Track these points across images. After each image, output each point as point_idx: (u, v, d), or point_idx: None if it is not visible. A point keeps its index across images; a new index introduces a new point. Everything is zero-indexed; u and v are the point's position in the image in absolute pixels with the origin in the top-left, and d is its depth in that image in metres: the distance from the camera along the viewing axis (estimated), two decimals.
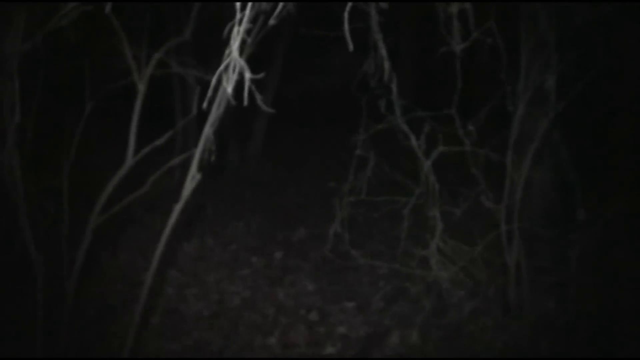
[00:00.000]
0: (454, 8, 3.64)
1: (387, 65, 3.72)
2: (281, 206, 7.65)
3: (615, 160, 9.38)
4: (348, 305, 5.46)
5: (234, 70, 2.40)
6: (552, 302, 4.94)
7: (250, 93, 2.49)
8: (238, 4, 2.40)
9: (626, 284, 4.56)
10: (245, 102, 2.39)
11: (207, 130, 3.87)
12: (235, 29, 2.39)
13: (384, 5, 3.72)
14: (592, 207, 4.62)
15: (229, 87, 2.37)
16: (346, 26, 2.70)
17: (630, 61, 5.26)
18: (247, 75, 2.38)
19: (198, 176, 4.16)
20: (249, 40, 2.59)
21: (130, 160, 4.04)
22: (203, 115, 3.37)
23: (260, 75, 2.43)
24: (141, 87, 4.11)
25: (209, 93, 2.49)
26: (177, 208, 3.93)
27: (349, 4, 2.75)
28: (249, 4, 2.40)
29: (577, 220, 4.73)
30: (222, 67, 2.42)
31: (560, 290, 4.98)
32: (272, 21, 2.41)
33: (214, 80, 2.46)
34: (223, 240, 6.56)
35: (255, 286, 5.68)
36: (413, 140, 4.15)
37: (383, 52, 3.75)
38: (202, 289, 5.64)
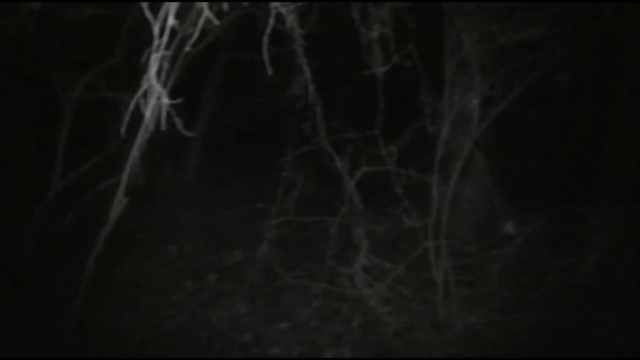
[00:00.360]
0: (375, 33, 3.74)
1: (311, 87, 3.79)
2: (216, 228, 7.60)
3: (539, 176, 9.76)
4: (282, 326, 5.45)
5: (151, 96, 2.43)
6: (479, 316, 5.06)
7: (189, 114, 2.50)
8: (156, 30, 2.44)
9: (547, 295, 4.72)
10: (163, 127, 2.42)
11: (134, 154, 3.87)
12: (153, 56, 2.42)
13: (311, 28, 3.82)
14: (515, 221, 4.76)
15: (146, 112, 2.40)
16: (265, 50, 2.75)
17: (553, 81, 5.45)
18: (165, 100, 2.41)
19: (125, 200, 4.14)
20: (166, 66, 2.61)
21: (57, 183, 4.00)
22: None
23: (178, 101, 2.46)
24: (68, 111, 4.09)
25: (127, 118, 2.49)
26: (104, 233, 3.91)
27: (268, 29, 2.81)
28: (167, 31, 2.43)
29: (503, 235, 4.85)
30: (139, 92, 2.45)
31: (485, 304, 5.12)
32: (188, 48, 2.42)
33: (131, 106, 2.48)
34: (156, 264, 6.48)
35: (189, 310, 5.62)
36: (337, 161, 4.23)
37: (307, 75, 3.82)
38: (134, 314, 5.56)
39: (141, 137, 3.61)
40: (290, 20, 3.19)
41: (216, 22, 2.37)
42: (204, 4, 2.35)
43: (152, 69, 2.40)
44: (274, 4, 2.66)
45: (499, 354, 4.72)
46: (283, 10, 2.75)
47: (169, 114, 2.63)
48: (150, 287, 5.98)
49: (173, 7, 2.34)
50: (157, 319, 5.49)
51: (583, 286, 4.46)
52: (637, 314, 4.32)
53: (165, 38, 2.39)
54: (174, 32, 2.50)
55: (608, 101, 5.66)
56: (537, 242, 4.64)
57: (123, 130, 2.59)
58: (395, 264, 4.88)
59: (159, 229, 7.31)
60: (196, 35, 2.59)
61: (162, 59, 2.43)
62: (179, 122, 2.45)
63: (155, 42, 2.38)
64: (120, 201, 4.08)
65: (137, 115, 2.87)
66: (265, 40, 2.66)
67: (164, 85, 3.54)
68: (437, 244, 4.66)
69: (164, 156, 8.29)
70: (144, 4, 2.31)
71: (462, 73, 5.27)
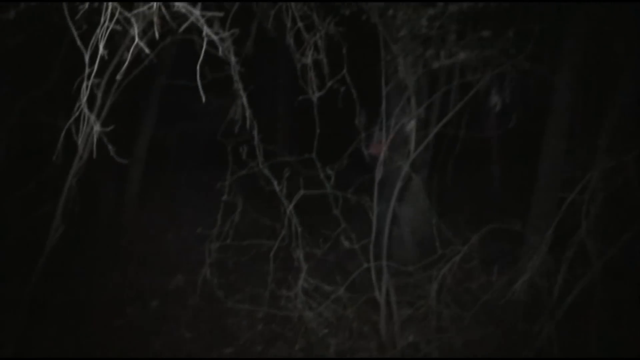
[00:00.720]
0: (308, 59, 3.82)
1: (248, 113, 3.84)
2: (158, 253, 7.54)
3: (474, 195, 10.00)
4: (226, 351, 5.45)
5: (84, 123, 2.44)
6: (419, 334, 5.14)
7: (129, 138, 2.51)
8: (87, 58, 2.46)
9: (481, 314, 4.83)
10: (95, 154, 2.43)
11: (70, 180, 3.85)
12: (85, 84, 2.44)
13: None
14: (448, 242, 4.86)
15: (79, 140, 2.41)
16: (198, 77, 2.79)
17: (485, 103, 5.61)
18: (97, 127, 2.43)
19: (62, 227, 4.11)
20: (99, 92, 2.63)
21: None
22: None
23: (110, 128, 2.48)
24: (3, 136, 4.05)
25: (59, 145, 2.50)
26: (41, 262, 3.86)
27: (202, 55, 2.85)
28: (98, 58, 2.46)
29: (442, 254, 4.93)
30: (71, 120, 2.46)
31: (425, 323, 5.21)
32: (118, 76, 2.44)
33: (63, 133, 2.49)
34: (97, 291, 6.38)
35: (130, 337, 5.56)
36: (275, 185, 4.28)
37: (244, 100, 3.87)
38: (75, 340, 5.47)
39: (76, 164, 3.61)
40: (225, 46, 3.24)
41: (147, 50, 2.41)
42: (135, 32, 2.39)
43: (84, 97, 2.41)
44: (206, 31, 2.70)
45: None
46: (216, 38, 2.80)
47: (102, 141, 2.64)
48: (91, 313, 5.89)
49: (103, 35, 2.36)
50: (98, 345, 5.41)
51: (517, 303, 4.57)
52: (570, 329, 4.46)
53: (97, 66, 2.41)
54: (105, 59, 2.52)
55: (538, 121, 5.87)
56: (473, 260, 4.75)
57: (55, 157, 2.58)
58: (337, 285, 4.92)
59: (100, 254, 7.21)
60: (128, 62, 2.61)
61: (94, 86, 2.44)
62: (111, 149, 2.45)
63: (86, 69, 2.39)
64: (57, 228, 4.05)
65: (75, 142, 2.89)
66: (198, 68, 2.69)
67: (98, 112, 3.57)
68: (378, 264, 4.72)
69: (103, 182, 8.20)
70: (75, 33, 2.34)
71: (398, 96, 5.40)
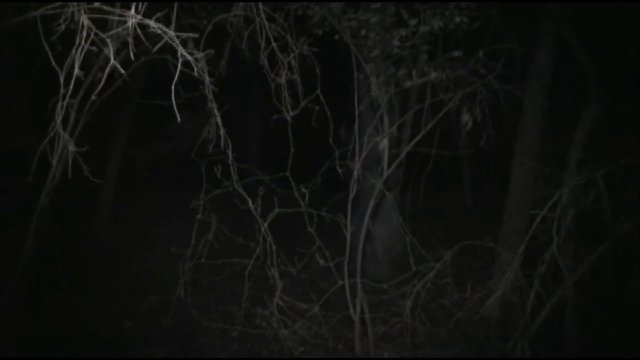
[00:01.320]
0: (283, 79, 3.85)
1: (222, 132, 3.85)
2: (130, 273, 7.48)
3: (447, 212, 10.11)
4: None
5: (58, 143, 2.44)
6: (394, 351, 5.17)
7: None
8: (62, 79, 2.46)
9: (455, 330, 4.87)
10: (70, 174, 2.43)
11: (43, 200, 3.82)
12: (59, 104, 2.44)
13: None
14: (422, 259, 4.90)
15: (54, 160, 2.40)
16: (173, 96, 2.80)
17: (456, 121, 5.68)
18: (71, 147, 2.43)
19: (34, 247, 4.07)
20: (73, 112, 2.63)
21: None
22: None
23: (84, 148, 2.48)
24: None
25: (34, 165, 2.49)
26: (13, 282, 3.82)
27: (177, 75, 2.87)
28: (73, 80, 2.46)
29: (415, 271, 4.97)
30: (46, 140, 2.45)
31: (399, 340, 5.24)
32: (93, 96, 2.45)
33: (38, 153, 2.49)
34: (69, 312, 6.31)
35: (104, 357, 5.49)
36: (250, 203, 4.28)
37: (218, 119, 3.88)
38: None
39: (49, 184, 3.59)
40: (200, 66, 3.26)
41: (122, 70, 2.42)
42: (111, 52, 2.40)
43: (59, 117, 2.41)
44: (180, 51, 2.72)
45: None
46: (191, 58, 2.81)
47: (77, 160, 2.63)
48: (63, 334, 5.82)
49: (79, 56, 2.37)
50: None
51: (491, 319, 4.62)
52: (543, 345, 4.51)
53: (71, 86, 2.41)
54: (80, 80, 2.53)
55: (508, 140, 5.97)
56: (446, 277, 4.79)
57: (30, 177, 2.57)
58: (311, 303, 4.93)
59: (72, 275, 7.13)
60: (103, 82, 2.62)
61: (69, 106, 2.44)
62: (86, 169, 2.44)
63: (62, 90, 2.40)
64: (29, 248, 4.01)
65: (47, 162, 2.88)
66: (172, 87, 2.70)
67: (72, 133, 3.55)
68: (352, 282, 4.74)
69: (75, 202, 8.13)
70: (50, 54, 2.34)
71: (371, 115, 5.45)
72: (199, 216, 4.59)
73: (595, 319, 5.53)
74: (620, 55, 6.14)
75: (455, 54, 5.01)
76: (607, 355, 5.32)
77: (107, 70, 2.48)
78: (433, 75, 5.11)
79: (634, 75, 6.08)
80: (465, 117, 5.12)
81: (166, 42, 2.95)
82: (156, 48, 3.06)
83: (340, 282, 4.76)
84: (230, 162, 4.06)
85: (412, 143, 5.05)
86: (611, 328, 5.35)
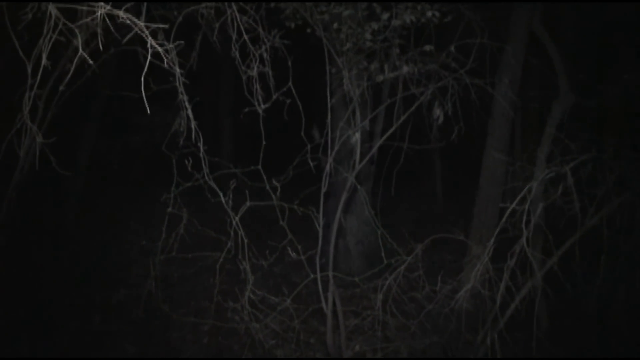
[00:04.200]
0: (254, 71, 3.83)
1: (193, 124, 3.82)
2: (100, 267, 7.41)
3: (418, 206, 10.16)
4: None
5: (25, 135, 2.40)
6: (366, 344, 5.19)
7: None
8: (29, 70, 2.42)
9: (426, 323, 4.91)
10: (38, 165, 2.39)
11: (10, 192, 3.76)
12: (27, 95, 2.39)
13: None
14: (393, 252, 4.92)
15: (21, 152, 2.36)
16: (142, 88, 2.77)
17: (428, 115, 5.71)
18: (39, 139, 2.39)
19: (2, 240, 4.01)
20: (41, 104, 2.59)
21: None
22: None
23: (52, 140, 2.44)
24: None
25: (0, 156, 2.45)
26: None
27: (146, 67, 2.83)
28: (41, 70, 2.42)
29: (387, 265, 4.98)
30: (13, 131, 2.41)
31: (370, 333, 5.27)
32: (62, 87, 2.41)
33: (4, 144, 2.44)
34: (37, 306, 6.22)
35: (73, 353, 5.43)
36: (221, 197, 4.26)
37: (189, 112, 3.85)
38: (19, 357, 5.32)
39: (17, 175, 3.53)
40: (170, 57, 3.22)
41: (90, 62, 2.38)
42: (79, 43, 2.36)
43: (27, 108, 2.37)
44: (150, 42, 2.68)
45: None
46: (161, 49, 2.78)
47: (44, 153, 2.59)
48: (32, 329, 5.74)
49: (46, 46, 2.33)
50: None
51: (461, 312, 4.65)
52: (514, 338, 4.55)
53: (39, 77, 2.37)
54: (48, 70, 2.49)
55: (479, 133, 6.02)
56: (417, 270, 4.81)
57: None
58: (283, 297, 4.92)
59: (39, 268, 7.04)
60: (71, 73, 2.58)
61: (37, 97, 2.40)
62: (54, 161, 2.41)
63: (29, 81, 2.35)
64: None
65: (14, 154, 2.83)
66: (142, 79, 2.66)
67: (40, 124, 3.50)
68: (324, 275, 4.74)
69: (45, 194, 8.03)
70: (17, 44, 2.30)
71: (343, 109, 5.45)
72: (169, 209, 4.55)
73: (564, 311, 5.61)
74: (589, 50, 6.22)
75: (427, 48, 5.03)
76: (576, 346, 5.40)
77: (76, 61, 2.44)
78: (405, 69, 5.12)
79: (602, 70, 6.17)
80: (437, 111, 5.15)
81: (136, 34, 2.92)
82: (126, 39, 3.01)
83: (312, 276, 4.75)
84: (201, 155, 4.02)
85: (384, 137, 5.05)
86: (580, 320, 5.43)
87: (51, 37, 2.36)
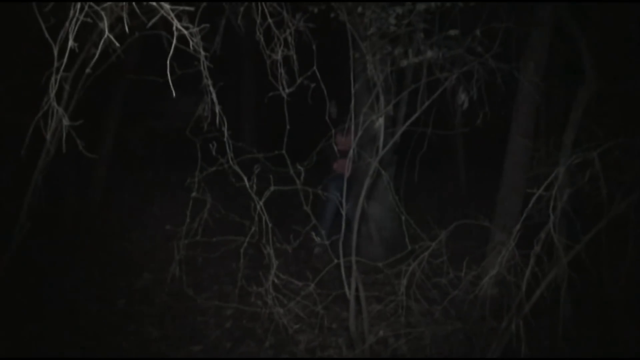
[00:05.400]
0: (278, 55, 3.81)
1: (217, 109, 3.82)
2: (124, 252, 7.48)
3: (442, 192, 10.12)
4: (195, 349, 5.42)
5: (52, 117, 2.40)
6: (389, 330, 5.18)
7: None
8: (56, 52, 2.42)
9: (450, 309, 4.89)
10: (64, 149, 2.40)
11: (36, 176, 3.79)
12: (53, 78, 2.40)
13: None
14: (417, 238, 4.90)
15: (47, 135, 2.37)
16: (168, 72, 2.77)
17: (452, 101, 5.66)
18: (65, 122, 2.39)
19: (28, 224, 4.04)
20: (67, 86, 2.59)
21: None
22: None
23: (78, 122, 2.45)
24: None
25: (27, 139, 2.46)
26: (5, 259, 3.79)
27: (172, 50, 2.83)
28: (67, 51, 2.42)
29: (410, 251, 4.96)
30: (40, 114, 2.42)
31: (394, 319, 5.26)
32: (88, 70, 2.41)
33: (32, 127, 2.45)
34: (62, 290, 6.30)
35: (97, 337, 5.49)
36: (245, 181, 4.26)
37: (213, 96, 3.85)
38: (41, 341, 5.38)
39: (43, 159, 3.55)
40: (195, 41, 3.22)
41: (117, 44, 2.38)
42: (105, 26, 2.36)
43: (53, 91, 2.37)
44: (176, 25, 2.68)
45: None
46: (186, 32, 2.78)
47: (70, 136, 2.60)
48: (56, 313, 5.81)
49: (73, 29, 2.33)
50: (64, 346, 5.34)
51: (485, 298, 4.63)
52: (538, 325, 4.53)
53: (65, 60, 2.37)
54: (75, 53, 2.49)
55: (504, 119, 5.96)
56: (441, 256, 4.79)
57: (22, 152, 2.54)
58: (307, 281, 4.93)
59: (65, 253, 7.12)
60: (97, 57, 2.58)
61: (63, 80, 2.40)
62: (80, 144, 2.42)
63: (55, 63, 2.36)
64: (23, 225, 3.98)
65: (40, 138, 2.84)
66: (168, 63, 2.66)
67: (66, 107, 3.51)
68: (347, 261, 4.73)
69: (69, 179, 8.11)
70: (43, 26, 2.30)
71: (366, 94, 5.42)
72: (193, 194, 4.57)
73: (590, 298, 5.56)
74: (616, 34, 6.12)
75: (452, 32, 4.97)
76: (602, 332, 5.36)
77: (101, 44, 2.44)
78: (429, 54, 5.06)
79: (629, 55, 6.06)
80: (462, 97, 5.10)
81: (161, 18, 2.91)
82: (151, 23, 3.01)
83: (335, 261, 4.75)
84: (225, 139, 4.02)
85: (408, 122, 5.02)
86: (606, 307, 5.38)
87: (77, 19, 2.36)
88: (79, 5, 2.31)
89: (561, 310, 4.19)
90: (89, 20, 2.40)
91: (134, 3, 2.53)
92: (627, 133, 4.56)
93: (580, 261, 4.47)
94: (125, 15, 2.66)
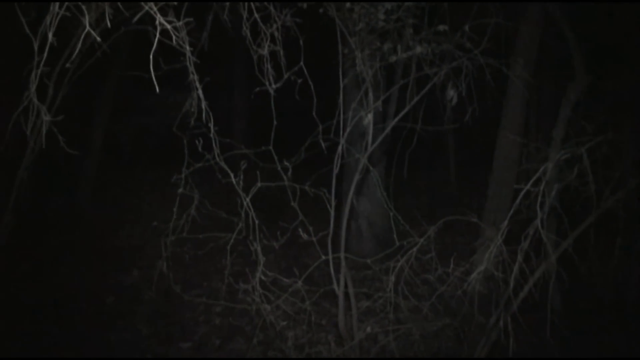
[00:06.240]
0: (265, 50, 3.78)
1: (203, 104, 3.79)
2: (113, 249, 7.45)
3: (429, 188, 10.11)
4: (184, 346, 5.41)
5: (32, 113, 2.37)
6: (378, 326, 5.17)
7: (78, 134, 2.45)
8: (36, 47, 2.39)
9: (438, 305, 4.87)
10: (44, 144, 2.37)
11: (21, 173, 3.75)
12: (33, 73, 2.37)
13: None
14: (405, 234, 4.88)
15: (28, 130, 2.34)
16: (152, 67, 2.74)
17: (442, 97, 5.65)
18: (46, 117, 2.36)
19: (12, 222, 4.00)
20: (51, 83, 2.56)
21: None
22: None
23: (60, 118, 2.41)
24: None
25: (7, 136, 2.43)
26: None
27: (155, 45, 2.80)
28: (47, 48, 2.39)
29: (399, 247, 4.94)
30: (20, 109, 2.39)
31: (382, 315, 5.25)
32: (68, 65, 2.38)
33: (11, 123, 2.42)
34: (50, 288, 6.27)
35: (86, 334, 5.47)
36: (232, 177, 4.23)
37: (199, 92, 3.82)
38: (29, 339, 5.35)
39: (28, 156, 3.52)
40: (180, 36, 3.19)
41: (98, 39, 2.35)
42: (86, 21, 2.33)
43: (33, 86, 2.34)
44: (159, 20, 2.65)
45: None
46: (169, 26, 2.75)
47: (61, 132, 2.57)
48: (45, 310, 5.79)
49: (53, 23, 2.30)
50: (53, 343, 5.31)
51: (474, 294, 4.62)
52: (527, 321, 4.52)
53: (45, 54, 2.34)
54: (56, 48, 2.46)
55: (493, 115, 5.94)
56: (430, 252, 4.77)
57: (4, 148, 2.51)
58: (295, 278, 4.91)
59: (52, 250, 7.09)
60: (81, 52, 2.55)
61: (44, 75, 2.37)
62: (62, 140, 2.39)
63: (36, 58, 2.33)
64: (7, 223, 3.94)
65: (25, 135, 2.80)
66: (151, 57, 2.63)
67: (51, 103, 3.48)
68: (336, 257, 4.71)
69: (58, 176, 8.07)
70: (23, 20, 2.27)
71: (355, 90, 5.39)
72: (180, 190, 4.53)
73: (578, 294, 5.57)
74: (605, 31, 6.12)
75: (441, 28, 4.95)
76: (590, 329, 5.37)
77: (82, 38, 2.41)
78: (418, 49, 5.04)
79: (618, 51, 6.07)
80: (451, 92, 5.07)
81: (148, 13, 2.88)
82: (136, 18, 2.98)
83: (323, 257, 4.73)
84: (212, 135, 3.99)
85: (397, 118, 5.00)
86: (594, 302, 5.39)
87: (58, 13, 2.33)
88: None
89: (549, 306, 4.18)
90: (67, 14, 2.37)
91: None
92: (616, 129, 4.56)
93: (568, 257, 4.46)
94: (107, 9, 2.63)
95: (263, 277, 4.49)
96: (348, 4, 4.94)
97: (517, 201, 4.25)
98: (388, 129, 5.35)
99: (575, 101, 5.42)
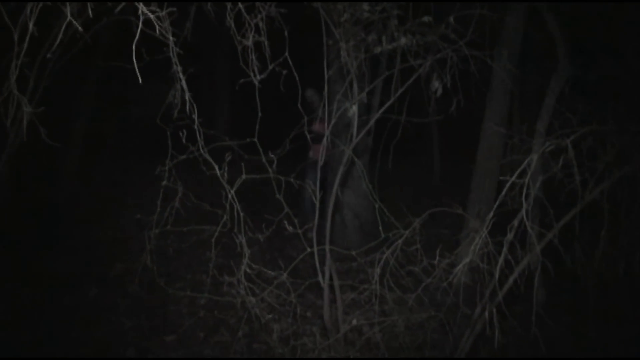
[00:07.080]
0: (249, 41, 3.74)
1: (187, 96, 3.75)
2: (96, 241, 7.39)
3: (414, 180, 10.14)
4: (168, 339, 5.37)
5: (12, 104, 2.33)
6: (363, 318, 5.17)
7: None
8: (16, 37, 2.34)
9: (424, 297, 4.87)
10: (25, 137, 2.33)
11: (1, 166, 3.70)
12: (13, 63, 2.32)
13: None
14: (390, 226, 4.87)
15: (8, 122, 2.30)
16: (134, 58, 2.70)
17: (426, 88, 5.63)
18: (26, 108, 2.32)
19: None
20: (32, 74, 2.51)
21: None
22: None
23: (40, 109, 2.37)
24: None
25: None
26: None
27: (137, 35, 2.76)
28: (27, 38, 2.34)
29: (384, 239, 4.93)
30: None
31: (367, 307, 5.25)
32: (48, 55, 2.34)
33: None
34: (33, 280, 6.20)
35: (69, 327, 5.42)
36: (217, 169, 4.20)
37: (183, 83, 3.78)
38: (12, 334, 5.30)
39: (8, 149, 3.47)
40: (163, 26, 3.14)
41: (80, 29, 2.30)
42: (68, 11, 2.28)
43: (13, 76, 2.30)
44: (143, 10, 2.61)
45: (382, 354, 4.86)
46: (152, 16, 2.70)
47: (43, 124, 2.53)
48: (27, 303, 5.73)
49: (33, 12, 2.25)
50: (35, 336, 5.26)
51: (459, 286, 4.62)
52: (512, 312, 4.54)
53: (25, 45, 2.29)
54: (37, 38, 2.41)
55: (478, 106, 5.94)
56: (415, 244, 4.77)
57: None
58: (280, 270, 4.89)
59: (35, 242, 7.02)
60: (62, 42, 2.50)
61: (24, 66, 2.33)
62: (43, 131, 2.34)
63: (16, 48, 2.28)
64: None
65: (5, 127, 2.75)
66: (134, 47, 2.59)
67: (32, 94, 3.43)
68: (321, 249, 4.70)
69: (40, 169, 7.99)
70: (3, 10, 2.22)
71: (340, 81, 5.37)
72: (164, 182, 4.49)
73: (563, 286, 5.59)
74: (589, 21, 6.14)
75: (426, 19, 4.93)
76: (575, 320, 5.40)
77: (63, 29, 2.36)
78: (403, 40, 5.02)
79: (602, 42, 6.09)
80: (435, 84, 5.07)
81: (130, 4, 2.84)
82: (118, 9, 2.93)
83: (308, 250, 4.71)
84: (196, 127, 3.95)
85: (382, 110, 4.98)
86: (579, 294, 5.41)
87: (38, 3, 2.29)
88: None
89: (535, 297, 4.19)
90: (49, 3, 2.32)
91: None
92: (600, 120, 4.56)
93: (553, 248, 4.47)
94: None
95: (248, 270, 4.47)
96: None
97: (503, 193, 4.25)
98: (373, 121, 5.35)
99: (559, 92, 5.43)
